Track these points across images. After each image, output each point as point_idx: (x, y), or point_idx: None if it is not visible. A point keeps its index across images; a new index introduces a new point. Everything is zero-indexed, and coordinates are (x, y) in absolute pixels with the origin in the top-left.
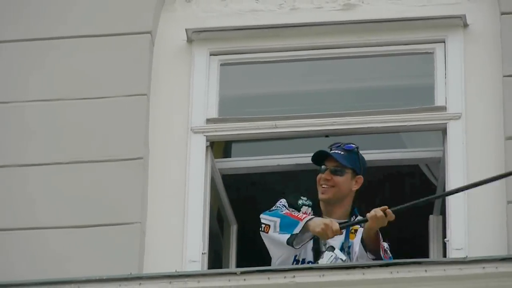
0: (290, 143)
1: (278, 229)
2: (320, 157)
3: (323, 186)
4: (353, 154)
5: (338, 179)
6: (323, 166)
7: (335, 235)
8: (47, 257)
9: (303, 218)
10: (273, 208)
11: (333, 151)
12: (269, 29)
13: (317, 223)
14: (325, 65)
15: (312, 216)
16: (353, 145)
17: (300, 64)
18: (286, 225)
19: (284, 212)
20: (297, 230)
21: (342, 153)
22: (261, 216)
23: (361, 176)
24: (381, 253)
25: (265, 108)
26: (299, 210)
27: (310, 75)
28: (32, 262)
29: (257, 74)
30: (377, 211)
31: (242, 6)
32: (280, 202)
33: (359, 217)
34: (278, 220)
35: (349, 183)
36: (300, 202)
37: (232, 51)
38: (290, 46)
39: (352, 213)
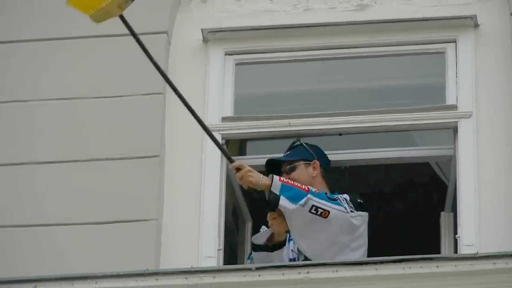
0: (303, 141)
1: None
2: (275, 166)
3: None
4: (298, 147)
5: (293, 175)
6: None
7: (273, 218)
8: (66, 253)
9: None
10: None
11: (283, 155)
12: (283, 29)
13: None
14: (338, 65)
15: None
16: (296, 140)
17: (313, 64)
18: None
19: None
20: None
21: (288, 152)
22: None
23: (316, 161)
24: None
25: (280, 106)
26: None
27: (323, 74)
28: (51, 258)
29: (272, 73)
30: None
31: (257, 6)
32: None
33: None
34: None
35: (306, 173)
36: None
37: (247, 51)
38: (304, 46)
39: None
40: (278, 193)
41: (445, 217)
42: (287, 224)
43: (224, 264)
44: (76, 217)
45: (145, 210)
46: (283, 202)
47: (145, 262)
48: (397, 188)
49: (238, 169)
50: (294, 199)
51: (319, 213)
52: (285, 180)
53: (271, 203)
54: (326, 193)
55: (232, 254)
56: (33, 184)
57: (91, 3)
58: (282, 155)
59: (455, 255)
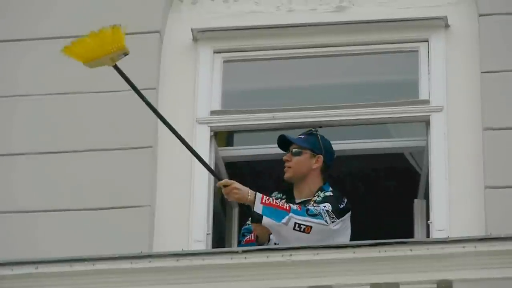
0: (287, 133)
1: None
2: (285, 143)
3: (285, 166)
4: (312, 137)
5: (296, 159)
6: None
7: (261, 232)
8: (66, 237)
9: (254, 238)
10: (243, 228)
11: (297, 137)
12: (268, 29)
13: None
14: (319, 62)
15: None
16: (313, 129)
17: (296, 61)
18: None
19: (245, 240)
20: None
21: (303, 137)
22: None
23: (320, 155)
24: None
25: (264, 101)
26: None
27: (305, 71)
28: (52, 241)
29: (257, 70)
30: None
31: (243, 7)
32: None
33: (327, 193)
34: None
35: (308, 162)
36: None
37: (234, 49)
38: (287, 45)
39: (320, 190)
40: (260, 213)
41: (418, 204)
42: (268, 231)
43: (212, 248)
44: (76, 204)
45: (139, 197)
46: (266, 220)
47: (139, 245)
48: (373, 177)
49: (225, 185)
50: (276, 217)
51: (302, 229)
52: (267, 201)
53: (255, 219)
54: (307, 210)
55: (220, 238)
56: (35, 173)
57: (86, 54)
58: (295, 136)
59: (427, 239)
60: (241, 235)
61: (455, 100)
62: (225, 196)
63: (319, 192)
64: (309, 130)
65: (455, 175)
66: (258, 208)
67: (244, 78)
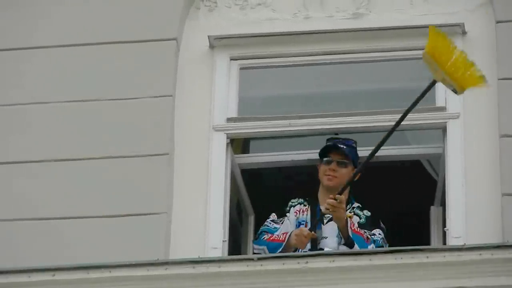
0: (303, 140)
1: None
2: (325, 150)
3: (329, 175)
4: (353, 149)
5: (342, 170)
6: (327, 158)
7: (310, 238)
8: (82, 244)
9: (284, 239)
10: (262, 228)
11: (340, 145)
12: (285, 36)
13: (292, 237)
14: (335, 69)
15: (290, 232)
16: (352, 141)
17: (312, 68)
18: (273, 249)
19: (268, 238)
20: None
21: (345, 147)
22: (253, 245)
23: (355, 168)
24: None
25: (281, 108)
26: (289, 212)
27: (321, 78)
28: (69, 248)
29: (274, 77)
30: (328, 202)
31: (260, 15)
32: (269, 218)
33: (364, 211)
34: (265, 247)
35: (349, 175)
36: (289, 204)
37: (250, 56)
38: (304, 52)
39: (349, 202)
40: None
41: (434, 211)
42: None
43: (228, 255)
44: (93, 211)
45: (155, 204)
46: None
47: (155, 253)
48: (390, 184)
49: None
50: (361, 246)
51: None
52: (355, 230)
53: (348, 244)
54: (374, 242)
55: (236, 245)
56: (52, 180)
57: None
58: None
59: (443, 247)
60: (260, 233)
61: (471, 107)
62: (331, 210)
63: (349, 205)
64: (349, 141)
65: (471, 182)
66: (350, 233)
67: (261, 85)
